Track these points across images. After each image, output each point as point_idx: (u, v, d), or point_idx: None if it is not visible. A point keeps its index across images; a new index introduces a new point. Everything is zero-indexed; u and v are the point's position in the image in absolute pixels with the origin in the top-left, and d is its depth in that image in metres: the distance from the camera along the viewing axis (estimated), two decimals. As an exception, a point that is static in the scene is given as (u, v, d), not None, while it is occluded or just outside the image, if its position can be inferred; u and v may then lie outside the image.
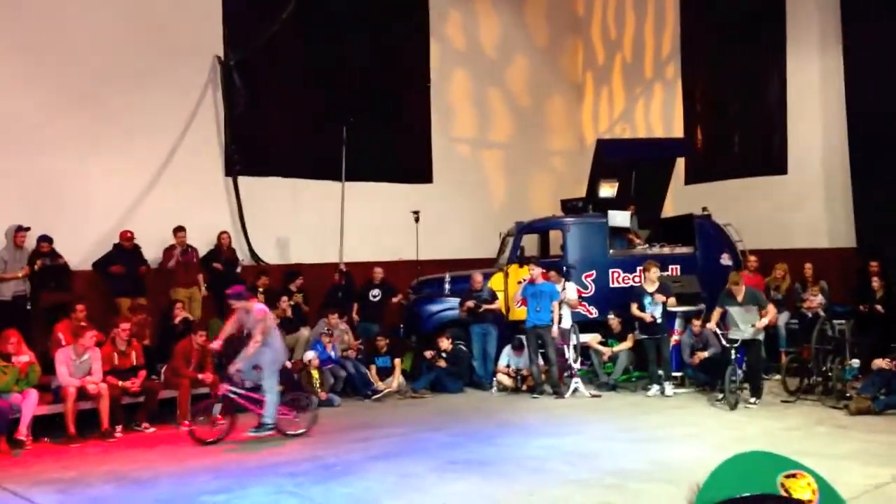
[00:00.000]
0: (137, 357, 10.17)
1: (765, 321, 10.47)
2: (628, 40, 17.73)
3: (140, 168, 12.63)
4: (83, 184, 12.05)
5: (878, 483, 6.72)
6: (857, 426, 8.93)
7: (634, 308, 11.40)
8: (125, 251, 11.90)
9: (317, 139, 14.30)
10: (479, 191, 16.63)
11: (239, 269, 12.96)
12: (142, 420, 9.85)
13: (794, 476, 1.02)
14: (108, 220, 12.20)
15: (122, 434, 9.49)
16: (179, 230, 12.31)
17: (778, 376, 11.47)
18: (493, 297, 12.47)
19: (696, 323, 11.48)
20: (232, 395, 9.15)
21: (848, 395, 10.04)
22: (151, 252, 12.27)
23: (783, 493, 0.99)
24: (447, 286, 12.91)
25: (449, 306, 12.73)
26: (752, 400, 10.20)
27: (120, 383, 9.71)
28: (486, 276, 12.77)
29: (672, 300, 11.43)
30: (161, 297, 12.09)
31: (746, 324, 10.37)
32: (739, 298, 10.46)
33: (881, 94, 12.80)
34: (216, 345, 9.64)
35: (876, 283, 11.98)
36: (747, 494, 1.01)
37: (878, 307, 11.82)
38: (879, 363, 9.80)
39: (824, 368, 10.58)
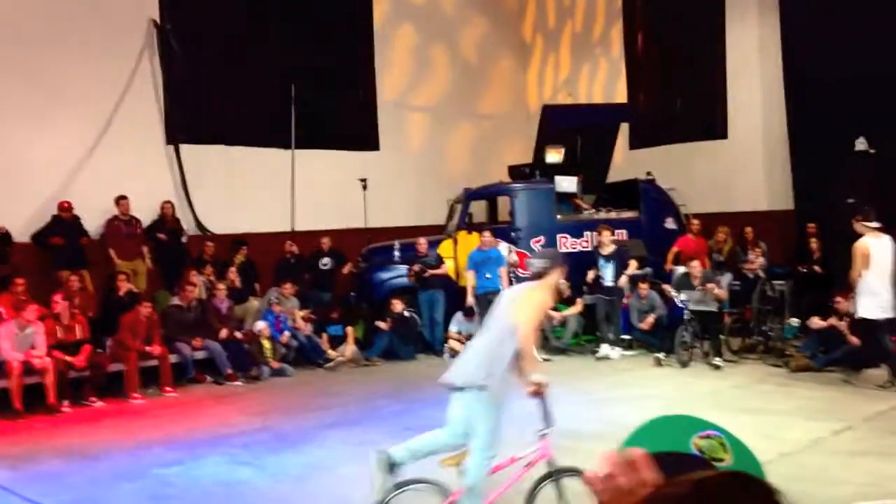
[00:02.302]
0: (82, 331, 9.98)
1: (713, 286, 10.77)
2: (580, 8, 17.69)
3: (77, 137, 12.28)
4: (17, 153, 11.66)
5: (817, 437, 6.99)
6: (798, 383, 9.25)
7: (591, 274, 11.66)
8: (64, 222, 11.61)
9: (261, 106, 14.05)
10: (427, 157, 16.56)
11: (184, 239, 12.77)
12: (89, 394, 9.69)
13: (707, 437, 1.07)
14: (46, 190, 11.84)
15: (70, 409, 9.35)
16: (122, 199, 12.06)
17: (721, 336, 11.77)
18: (440, 262, 12.53)
19: (644, 286, 11.71)
20: None
21: (788, 353, 10.37)
22: (92, 223, 12.00)
23: (696, 453, 1.04)
24: (397, 253, 12.91)
25: (399, 273, 12.75)
26: (717, 361, 10.39)
27: (67, 358, 9.53)
28: (433, 243, 12.81)
29: (634, 263, 11.66)
30: (104, 269, 11.85)
31: (700, 303, 10.64)
32: (696, 283, 10.72)
33: (817, 60, 13.06)
34: None
35: (814, 244, 12.34)
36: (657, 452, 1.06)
37: (816, 268, 12.19)
38: (816, 322, 10.11)
39: (765, 328, 10.90)
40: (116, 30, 12.71)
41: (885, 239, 8.83)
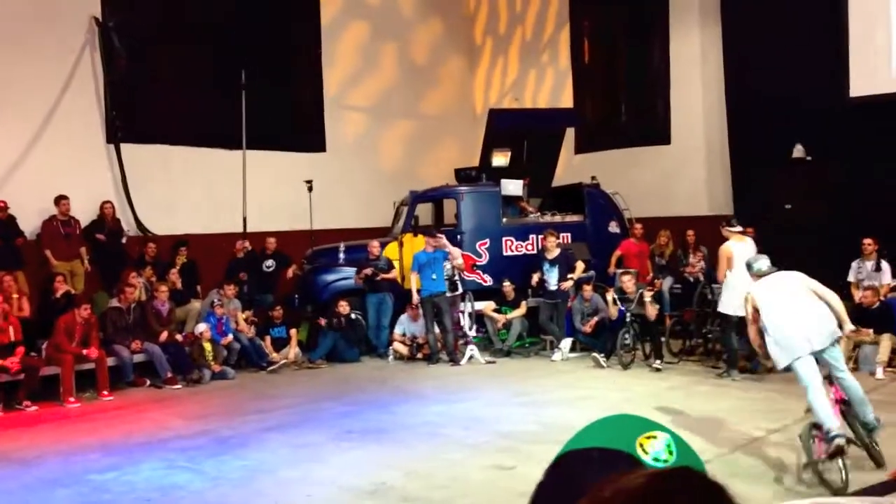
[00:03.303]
0: (15, 333, 9.72)
1: (652, 289, 11.13)
2: (531, 15, 17.82)
3: (14, 135, 11.96)
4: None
5: (753, 436, 7.14)
6: (735, 385, 9.45)
7: (536, 277, 11.77)
8: (-1, 222, 11.31)
9: (205, 105, 13.84)
10: (373, 159, 16.51)
11: (124, 240, 12.54)
12: (22, 398, 9.44)
13: (653, 437, 1.09)
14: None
15: (2, 413, 9.10)
16: (62, 199, 11.77)
17: (662, 339, 11.95)
18: (390, 266, 12.50)
19: (587, 289, 11.84)
20: None
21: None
22: (29, 223, 11.70)
23: (640, 453, 1.06)
24: (342, 255, 12.84)
25: (344, 276, 12.67)
26: (657, 363, 10.58)
27: (-1, 361, 9.29)
28: (383, 245, 12.78)
29: (580, 264, 11.82)
30: (41, 270, 11.56)
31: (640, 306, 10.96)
32: (629, 295, 11.04)
33: (756, 69, 13.38)
34: None
35: (752, 248, 12.60)
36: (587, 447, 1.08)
37: (754, 272, 12.45)
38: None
39: (704, 330, 11.10)
40: (57, 27, 12.42)
41: (748, 241, 9.45)
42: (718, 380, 9.76)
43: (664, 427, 1.11)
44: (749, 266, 6.96)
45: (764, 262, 6.75)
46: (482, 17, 18.71)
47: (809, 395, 6.07)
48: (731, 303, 9.41)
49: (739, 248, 9.31)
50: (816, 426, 5.93)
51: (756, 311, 6.50)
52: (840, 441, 5.69)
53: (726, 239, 12.64)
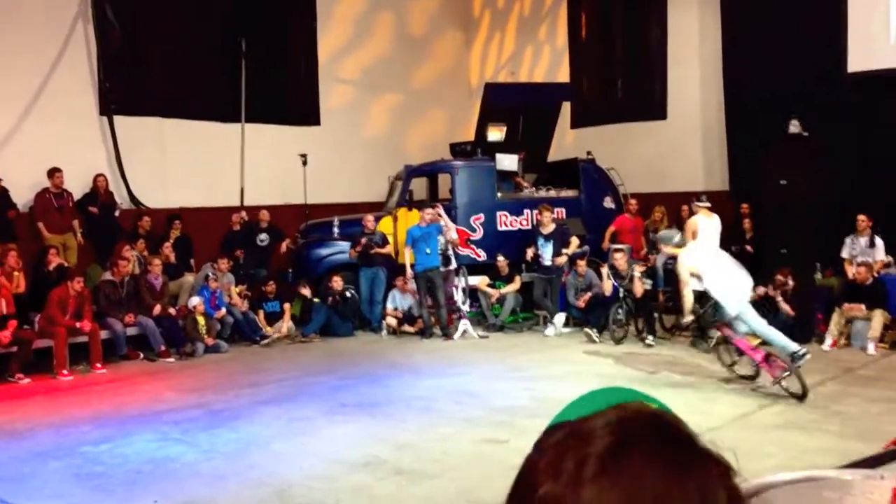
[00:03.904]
0: (7, 306, 9.69)
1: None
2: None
3: (6, 107, 11.85)
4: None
5: (744, 412, 7.17)
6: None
7: (530, 252, 11.76)
8: (-10, 194, 11.23)
9: (199, 78, 13.71)
10: (368, 132, 16.41)
11: (117, 213, 12.48)
12: (15, 370, 9.44)
13: None
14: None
15: (-6, 386, 9.10)
16: (55, 171, 11.68)
17: (655, 314, 11.96)
18: (385, 241, 12.47)
19: (581, 264, 11.83)
20: None
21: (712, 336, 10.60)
22: (21, 195, 11.62)
23: None
24: (336, 230, 12.80)
25: (338, 250, 12.64)
26: (649, 339, 10.62)
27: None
28: (377, 220, 12.74)
29: (575, 240, 11.84)
30: (33, 243, 11.51)
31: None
32: (622, 272, 11.13)
33: (754, 42, 13.30)
34: None
35: (746, 224, 12.60)
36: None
37: (748, 247, 12.45)
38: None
39: (697, 305, 11.10)
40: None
41: (715, 218, 9.49)
42: (710, 355, 9.77)
43: (655, 399, 1.10)
44: (668, 238, 8.65)
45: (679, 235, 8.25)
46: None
47: (764, 330, 7.89)
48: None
49: (705, 223, 9.36)
50: (727, 340, 8.09)
51: (695, 275, 8.07)
52: (809, 354, 7.73)
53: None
